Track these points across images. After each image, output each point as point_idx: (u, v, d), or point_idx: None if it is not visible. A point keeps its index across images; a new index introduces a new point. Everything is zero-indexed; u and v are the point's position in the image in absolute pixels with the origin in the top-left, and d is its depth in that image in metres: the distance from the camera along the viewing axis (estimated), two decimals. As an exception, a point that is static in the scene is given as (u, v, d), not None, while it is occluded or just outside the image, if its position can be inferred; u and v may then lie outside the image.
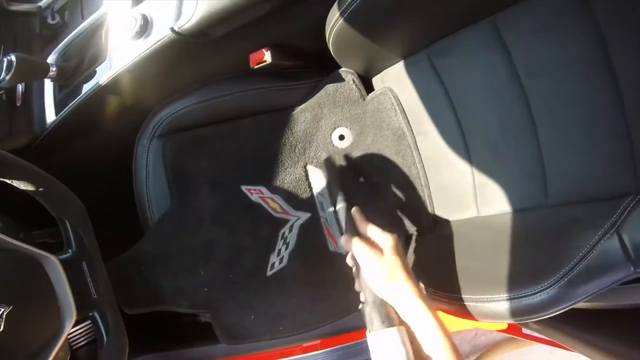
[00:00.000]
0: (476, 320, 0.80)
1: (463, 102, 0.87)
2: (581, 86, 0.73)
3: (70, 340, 1.02)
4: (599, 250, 0.66)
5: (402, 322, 0.64)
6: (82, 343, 1.04)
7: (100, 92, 0.90)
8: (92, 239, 0.83)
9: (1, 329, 0.65)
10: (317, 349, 1.11)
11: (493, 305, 0.73)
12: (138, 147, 0.96)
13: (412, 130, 0.97)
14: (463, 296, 0.77)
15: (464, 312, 0.79)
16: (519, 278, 0.72)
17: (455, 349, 0.61)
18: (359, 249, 0.69)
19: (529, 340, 1.63)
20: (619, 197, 0.69)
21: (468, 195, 0.90)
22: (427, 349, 0.62)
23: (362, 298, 0.69)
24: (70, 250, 0.81)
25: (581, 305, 0.80)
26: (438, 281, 0.84)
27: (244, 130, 0.96)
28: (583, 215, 0.74)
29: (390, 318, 0.64)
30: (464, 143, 0.88)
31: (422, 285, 0.83)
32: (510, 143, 0.83)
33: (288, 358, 1.12)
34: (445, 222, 0.94)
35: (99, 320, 0.82)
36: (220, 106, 0.95)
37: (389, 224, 0.98)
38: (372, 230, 0.72)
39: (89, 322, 1.02)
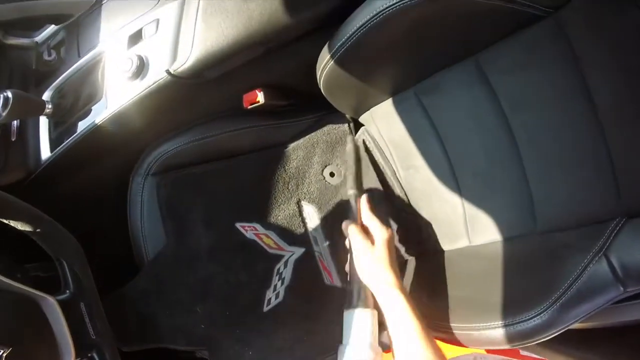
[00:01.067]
0: (469, 347, 0.81)
1: (450, 137, 0.90)
2: (561, 115, 0.76)
3: None
4: (589, 274, 0.68)
5: (376, 308, 0.71)
6: None
7: (96, 131, 0.90)
8: (90, 280, 0.82)
9: None
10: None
11: (488, 333, 0.75)
12: (132, 185, 0.96)
13: (395, 165, 1.00)
14: (457, 325, 0.79)
15: (458, 340, 0.80)
16: (512, 305, 0.74)
17: (426, 332, 0.66)
18: (354, 236, 0.75)
19: None
20: (605, 220, 0.72)
21: (459, 225, 0.92)
22: (397, 332, 0.67)
23: (348, 278, 0.76)
24: (68, 291, 0.80)
25: (575, 325, 0.83)
26: (432, 311, 0.85)
27: (237, 168, 0.97)
28: (571, 241, 0.76)
29: (366, 301, 0.71)
30: (453, 176, 0.91)
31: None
32: (497, 174, 0.85)
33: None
34: (438, 252, 0.95)
35: None
36: (214, 145, 0.96)
37: None
38: (371, 221, 0.78)
39: None
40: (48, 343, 0.74)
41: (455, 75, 0.86)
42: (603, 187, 0.74)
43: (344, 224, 0.80)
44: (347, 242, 0.80)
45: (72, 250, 0.82)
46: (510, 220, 0.86)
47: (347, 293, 0.74)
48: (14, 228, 0.76)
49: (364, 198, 0.83)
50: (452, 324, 0.80)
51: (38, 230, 0.77)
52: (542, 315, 0.70)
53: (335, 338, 0.97)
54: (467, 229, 0.91)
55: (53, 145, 0.96)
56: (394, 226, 1.00)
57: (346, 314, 0.73)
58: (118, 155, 0.99)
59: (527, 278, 0.78)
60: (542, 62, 0.75)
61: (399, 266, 0.98)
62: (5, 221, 0.75)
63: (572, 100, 0.73)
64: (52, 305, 0.75)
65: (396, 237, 1.00)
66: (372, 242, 0.75)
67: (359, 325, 0.70)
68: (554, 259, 0.75)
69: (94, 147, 0.95)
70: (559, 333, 0.71)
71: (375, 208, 0.84)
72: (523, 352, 1.09)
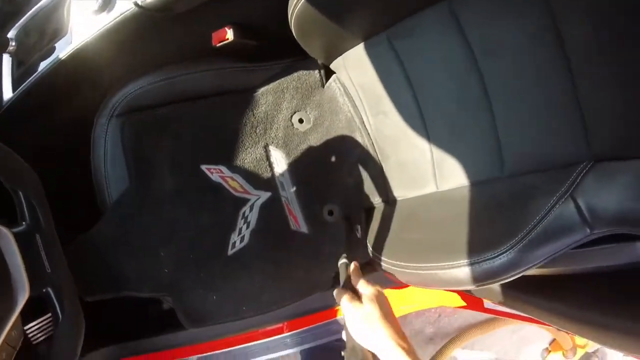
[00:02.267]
0: (436, 288, 0.82)
1: (421, 81, 0.88)
2: (533, 62, 0.74)
3: (29, 336, 0.96)
4: (555, 214, 0.68)
5: None
6: (42, 338, 0.98)
7: (59, 68, 0.88)
8: (47, 212, 0.79)
9: None
10: (283, 332, 1.09)
11: (453, 272, 0.75)
12: (96, 127, 0.93)
13: (365, 112, 0.98)
14: (423, 265, 0.78)
15: (423, 280, 0.80)
16: (479, 244, 0.74)
17: None
18: (343, 300, 0.72)
19: (492, 325, 1.65)
20: (573, 164, 0.71)
21: (427, 171, 0.91)
22: None
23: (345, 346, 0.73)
24: (23, 223, 0.77)
25: (543, 272, 0.82)
26: (398, 253, 0.85)
27: (204, 110, 0.95)
28: (538, 183, 0.76)
29: None
30: (422, 121, 0.90)
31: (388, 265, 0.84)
32: (466, 119, 0.84)
33: (254, 342, 1.09)
34: (405, 198, 0.95)
35: (53, 296, 0.78)
36: (181, 85, 0.94)
37: (350, 198, 1.00)
38: (360, 284, 0.75)
39: (47, 316, 0.97)
40: (1, 276, 0.71)
41: (429, 19, 0.84)
42: (571, 131, 0.73)
43: (335, 292, 0.77)
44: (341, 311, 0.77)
45: (30, 181, 0.79)
46: (478, 164, 0.85)
47: None
48: None
49: (354, 265, 0.81)
50: (418, 264, 0.80)
51: None
52: (507, 253, 0.70)
53: (301, 284, 0.96)
54: (434, 174, 0.90)
55: (15, 85, 0.93)
56: (364, 173, 0.99)
57: None
58: (82, 96, 0.96)
59: (493, 219, 0.77)
60: (515, 8, 0.74)
61: (367, 216, 0.99)
62: None
63: (543, 46, 0.72)
64: (6, 237, 0.73)
65: (365, 185, 0.98)
66: (360, 302, 0.72)
67: None
68: (520, 201, 0.75)
69: (57, 86, 0.93)
70: (521, 275, 0.72)
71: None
72: (487, 305, 1.08)
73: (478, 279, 0.73)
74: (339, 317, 1.10)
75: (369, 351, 0.67)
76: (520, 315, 1.06)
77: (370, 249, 0.93)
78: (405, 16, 0.86)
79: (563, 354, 1.79)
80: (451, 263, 0.75)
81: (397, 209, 0.94)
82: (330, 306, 1.06)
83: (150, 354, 1.11)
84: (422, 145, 0.90)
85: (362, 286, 0.74)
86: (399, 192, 0.96)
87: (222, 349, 1.11)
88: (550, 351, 1.80)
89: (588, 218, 0.67)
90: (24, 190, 0.77)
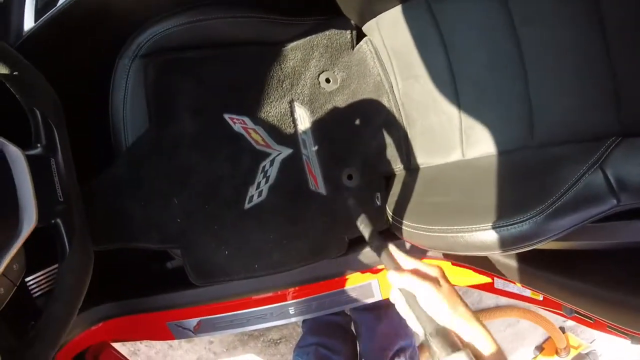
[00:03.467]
0: (457, 253, 0.79)
1: (456, 47, 0.87)
2: (572, 33, 0.74)
3: (31, 287, 0.90)
4: (584, 183, 0.67)
5: (465, 345, 0.62)
6: (45, 290, 0.93)
7: (83, 1, 0.83)
8: (65, 137, 0.74)
9: None
10: (286, 299, 1.06)
11: (479, 235, 0.73)
12: (118, 66, 0.90)
13: (395, 76, 0.97)
14: (448, 227, 0.77)
15: (448, 244, 0.78)
16: (507, 208, 0.72)
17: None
18: (415, 282, 0.65)
19: (488, 314, 1.64)
20: (603, 137, 0.70)
21: (454, 138, 0.89)
22: None
23: (418, 331, 0.66)
24: (39, 145, 0.71)
25: (556, 245, 0.81)
26: (421, 217, 0.83)
27: (232, 58, 0.92)
28: (568, 153, 0.75)
29: (455, 343, 0.61)
30: (453, 86, 0.88)
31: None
32: (500, 86, 0.83)
33: (256, 308, 1.06)
34: (428, 166, 0.93)
35: (62, 229, 0.71)
36: (210, 30, 0.90)
37: (371, 164, 0.97)
38: (418, 264, 0.70)
39: (52, 267, 0.92)
40: (8, 200, 0.65)
41: None
42: (603, 105, 0.73)
43: (390, 276, 0.70)
44: (394, 296, 0.70)
45: (49, 101, 0.74)
46: (508, 132, 0.84)
47: (432, 346, 0.63)
48: None
49: (392, 246, 0.75)
50: (443, 227, 0.78)
51: (15, 73, 0.69)
52: (536, 217, 0.69)
53: (315, 246, 0.93)
54: (462, 140, 0.88)
55: (38, 15, 0.89)
56: (388, 139, 0.97)
57: None
58: (105, 32, 0.92)
59: (521, 185, 0.76)
60: None
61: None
62: None
63: (584, 19, 0.71)
64: (18, 158, 0.66)
65: (387, 151, 0.96)
66: (435, 282, 0.66)
67: None
68: (549, 168, 0.74)
69: (80, 19, 0.88)
70: (539, 249, 0.72)
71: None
72: (497, 285, 1.06)
73: (505, 243, 0.72)
74: (347, 287, 1.07)
75: (452, 331, 0.63)
76: (528, 298, 1.04)
77: (390, 214, 0.90)
78: None
79: (557, 352, 1.78)
80: (478, 226, 0.73)
81: (420, 175, 0.92)
82: (339, 274, 1.02)
83: (150, 313, 1.07)
84: (451, 111, 0.89)
85: (425, 267, 0.69)
86: (423, 159, 0.94)
87: (223, 312, 1.07)
88: (543, 349, 1.80)
89: (616, 189, 0.66)
90: (42, 109, 0.71)
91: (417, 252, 1.01)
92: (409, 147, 0.95)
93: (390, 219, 0.90)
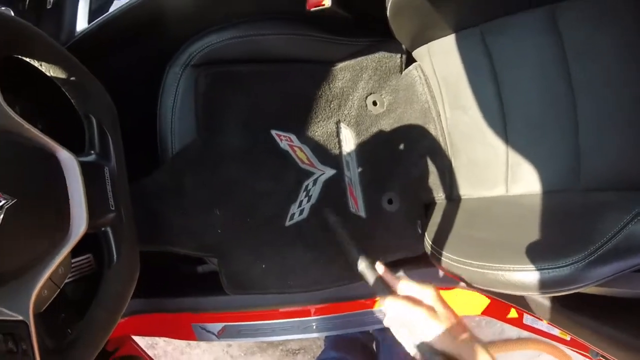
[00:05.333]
0: (495, 290, 0.78)
1: (507, 80, 0.87)
2: (627, 74, 0.73)
3: None
4: (628, 232, 0.66)
5: None
6: (72, 279, 0.93)
7: (138, 8, 0.83)
8: (119, 145, 0.74)
9: None
10: (310, 315, 1.06)
11: (519, 275, 0.72)
12: (169, 74, 0.90)
13: (443, 104, 0.96)
14: (488, 264, 0.76)
15: (486, 281, 0.77)
16: (548, 250, 0.72)
17: None
18: (409, 309, 0.64)
19: (511, 345, 1.64)
20: None
21: (499, 173, 0.89)
22: None
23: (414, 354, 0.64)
24: (92, 152, 0.71)
25: (593, 290, 0.80)
26: (461, 250, 0.83)
27: (283, 75, 0.93)
28: (613, 200, 0.74)
29: None
30: (502, 121, 0.88)
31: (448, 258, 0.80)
32: (549, 124, 0.83)
33: (281, 320, 1.06)
34: (470, 198, 0.93)
35: (111, 237, 0.71)
36: (263, 45, 0.91)
37: (412, 190, 0.97)
38: (409, 286, 0.68)
39: (83, 256, 0.92)
40: (60, 205, 0.65)
41: (527, 20, 0.82)
42: None
43: (386, 302, 0.68)
44: (389, 321, 0.68)
45: (105, 107, 0.74)
46: (554, 173, 0.84)
47: None
48: (43, 74, 0.67)
49: (379, 265, 0.74)
50: (483, 263, 0.78)
51: (72, 78, 0.69)
52: (577, 264, 0.68)
53: (352, 268, 0.92)
54: (506, 176, 0.88)
55: (91, 16, 0.88)
56: (432, 166, 0.97)
57: None
58: (157, 39, 0.92)
59: (564, 228, 0.76)
60: (617, 21, 0.73)
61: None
62: (37, 63, 0.66)
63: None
64: (72, 164, 0.66)
65: (429, 179, 0.95)
66: (428, 307, 0.64)
67: None
68: (593, 214, 0.73)
69: (134, 24, 0.89)
70: (575, 291, 0.71)
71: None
72: (526, 321, 1.05)
73: (544, 285, 0.71)
74: (375, 309, 1.07)
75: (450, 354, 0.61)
76: (556, 336, 1.04)
77: (429, 243, 0.89)
78: (503, 14, 0.85)
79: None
80: (519, 266, 0.73)
81: (461, 206, 0.92)
82: (368, 296, 1.02)
83: (174, 314, 1.07)
84: (498, 145, 0.88)
85: (417, 289, 0.67)
86: (465, 190, 0.93)
87: (249, 321, 1.07)
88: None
89: (659, 241, 0.65)
90: (97, 116, 0.71)
91: (447, 282, 1.01)
92: (453, 177, 0.94)
93: (430, 248, 0.89)
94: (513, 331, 1.68)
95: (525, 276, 0.72)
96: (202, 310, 1.05)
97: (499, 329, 1.66)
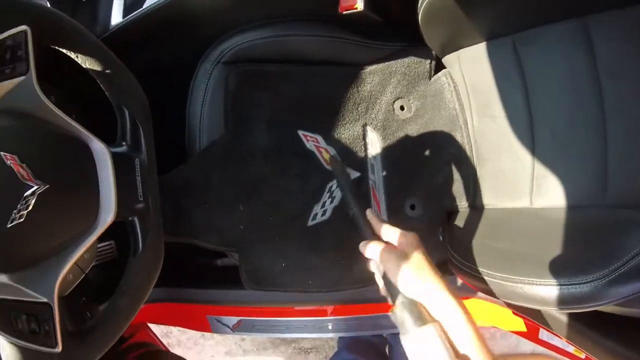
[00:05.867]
0: (513, 302, 0.78)
1: (538, 92, 0.86)
2: None
3: None
4: None
5: (434, 319, 0.58)
6: (94, 264, 0.95)
7: (172, 4, 0.84)
8: (151, 138, 0.76)
9: (30, 208, 0.56)
10: (327, 315, 1.06)
11: (538, 289, 0.72)
12: (199, 70, 0.92)
13: (470, 112, 0.96)
14: (508, 276, 0.76)
15: (505, 292, 0.77)
16: (570, 266, 0.71)
17: (484, 343, 0.57)
18: (381, 252, 0.65)
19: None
20: None
21: (524, 184, 0.89)
22: (458, 343, 0.57)
23: (390, 302, 0.65)
24: (124, 144, 0.73)
25: (611, 309, 0.79)
26: (482, 260, 0.82)
27: (312, 76, 0.94)
28: (638, 218, 0.73)
29: (423, 316, 0.58)
30: (530, 132, 0.87)
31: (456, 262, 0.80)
32: (577, 138, 0.82)
33: (297, 318, 1.06)
34: (494, 208, 0.93)
35: (138, 226, 0.73)
36: (294, 46, 0.92)
37: (435, 197, 0.97)
38: (390, 230, 0.69)
39: (106, 243, 0.94)
40: (90, 194, 0.67)
41: (560, 31, 0.81)
42: None
43: (361, 246, 0.70)
44: (372, 265, 0.70)
45: (138, 100, 0.75)
46: (579, 188, 0.83)
47: (397, 318, 0.60)
48: (79, 65, 0.69)
49: (369, 212, 0.75)
50: (503, 274, 0.78)
51: (107, 71, 0.70)
52: (599, 281, 0.67)
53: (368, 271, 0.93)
54: (531, 188, 0.87)
55: (126, 11, 0.90)
56: (456, 174, 0.97)
57: (407, 340, 0.58)
58: (190, 36, 0.94)
59: (587, 244, 0.75)
60: None
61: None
62: (73, 55, 0.67)
63: None
64: (104, 154, 0.68)
65: (453, 186, 0.95)
66: (402, 251, 0.64)
67: (428, 347, 0.56)
68: (617, 232, 0.72)
69: (168, 21, 0.90)
70: (593, 309, 0.70)
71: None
72: (541, 336, 1.04)
73: (564, 301, 0.70)
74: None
75: (420, 303, 0.59)
76: (571, 354, 1.03)
77: (449, 251, 0.89)
78: (536, 24, 0.84)
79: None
80: (539, 280, 0.72)
81: (484, 216, 0.92)
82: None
83: (191, 304, 1.08)
84: (524, 157, 0.88)
85: (396, 234, 0.67)
86: (489, 200, 0.93)
87: (265, 316, 1.08)
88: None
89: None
90: (130, 108, 0.73)
91: (466, 290, 1.00)
92: (477, 185, 0.94)
93: (450, 256, 0.89)
94: (528, 345, 1.66)
95: (544, 290, 0.71)
96: (219, 302, 1.06)
97: (514, 342, 1.65)
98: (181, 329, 1.65)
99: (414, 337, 0.57)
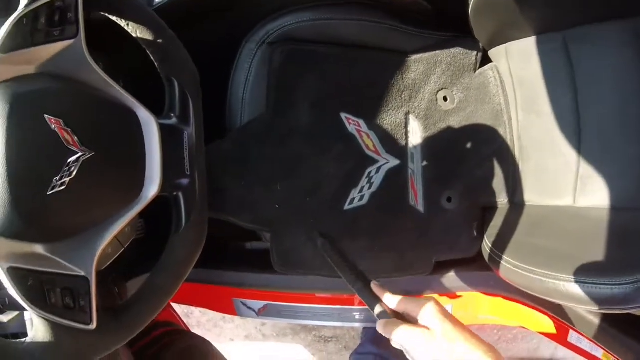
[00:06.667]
0: (552, 300, 0.77)
1: (587, 91, 0.85)
2: None
3: None
4: None
5: None
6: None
7: None
8: (199, 110, 0.74)
9: (73, 175, 0.54)
10: (354, 304, 1.05)
11: (580, 287, 0.71)
12: (244, 49, 0.92)
13: (516, 107, 0.95)
14: (550, 273, 0.75)
15: (544, 289, 0.76)
16: (612, 267, 0.71)
17: None
18: (403, 332, 0.58)
19: None
20: None
21: (568, 183, 0.87)
22: None
23: None
24: (172, 115, 0.71)
25: None
26: (523, 256, 0.81)
27: (357, 60, 0.93)
28: None
29: None
30: (577, 131, 0.86)
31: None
32: (625, 140, 0.81)
33: (323, 305, 1.05)
34: (535, 205, 0.92)
35: (182, 202, 0.71)
36: (340, 30, 0.91)
37: (474, 191, 0.96)
38: (407, 303, 0.62)
39: (139, 221, 0.93)
40: (135, 166, 0.65)
41: (614, 31, 0.80)
42: None
43: (379, 326, 0.62)
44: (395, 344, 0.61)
45: (189, 73, 0.73)
46: (624, 190, 0.81)
47: None
48: (128, 34, 0.67)
49: (374, 284, 0.69)
50: (544, 271, 0.76)
51: (159, 40, 0.68)
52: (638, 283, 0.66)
53: (404, 260, 0.91)
54: (575, 187, 0.86)
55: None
56: (497, 169, 0.95)
57: None
58: (235, 14, 0.94)
59: (630, 245, 0.74)
60: None
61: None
62: (124, 23, 0.66)
63: None
64: (152, 124, 0.66)
65: (493, 182, 0.93)
66: (426, 327, 0.58)
67: None
68: None
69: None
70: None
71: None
72: (570, 339, 1.01)
73: (605, 301, 0.69)
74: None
75: None
76: (597, 358, 1.00)
77: (488, 246, 0.88)
78: (590, 21, 0.82)
79: None
80: (581, 279, 0.71)
81: (525, 212, 0.91)
82: (415, 292, 1.01)
83: (217, 286, 1.08)
84: (570, 155, 0.87)
85: (416, 306, 0.60)
86: (530, 196, 0.92)
87: (292, 302, 1.08)
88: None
89: None
90: (180, 80, 0.71)
91: (497, 288, 0.99)
92: (518, 182, 0.93)
93: (489, 252, 0.87)
94: (548, 350, 1.63)
95: (585, 289, 0.70)
96: (247, 285, 1.06)
97: (534, 345, 1.63)
98: (202, 310, 1.64)
99: None
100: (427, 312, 0.58)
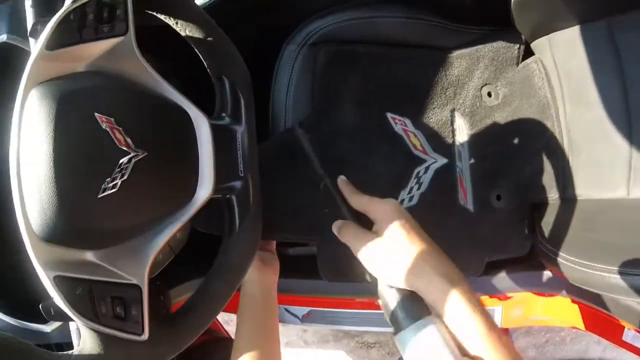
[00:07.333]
0: (614, 295, 0.77)
1: (635, 79, 0.84)
2: None
3: None
4: None
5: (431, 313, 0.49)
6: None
7: None
8: (251, 110, 0.71)
9: (125, 177, 0.52)
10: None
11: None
12: (285, 52, 0.91)
13: (563, 100, 0.93)
14: (610, 267, 0.74)
15: (605, 284, 0.75)
16: None
17: (501, 341, 0.44)
18: (350, 232, 0.55)
19: None
20: None
21: (621, 173, 0.86)
22: (467, 342, 0.45)
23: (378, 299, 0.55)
24: (224, 115, 0.68)
25: None
26: (580, 251, 0.81)
27: (399, 59, 0.92)
28: None
29: (416, 309, 0.49)
30: (628, 121, 0.85)
31: None
32: None
33: (371, 310, 1.04)
34: (588, 199, 0.90)
35: (235, 205, 0.68)
36: (382, 28, 0.91)
37: (524, 188, 0.95)
38: (362, 201, 0.59)
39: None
40: (188, 167, 0.62)
41: None
42: None
43: (334, 227, 0.60)
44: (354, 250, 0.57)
45: (240, 72, 0.70)
46: None
47: (389, 316, 0.52)
48: (177, 34, 0.66)
49: (341, 180, 0.66)
50: (604, 266, 0.75)
51: (209, 39, 0.66)
52: None
53: (456, 262, 0.89)
54: (629, 178, 0.86)
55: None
56: (547, 164, 0.93)
57: (400, 340, 0.48)
58: (277, 16, 0.95)
59: None
60: None
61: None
62: (172, 22, 0.65)
63: None
64: (204, 124, 0.63)
65: (543, 177, 0.91)
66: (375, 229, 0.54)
67: (426, 346, 0.45)
68: None
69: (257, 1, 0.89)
70: None
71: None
72: (625, 338, 0.99)
73: None
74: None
75: (414, 292, 0.49)
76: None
77: (542, 243, 0.86)
78: (633, 8, 0.82)
79: None
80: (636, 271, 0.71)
81: (578, 207, 0.89)
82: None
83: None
84: (621, 146, 0.86)
85: (371, 204, 0.57)
86: (582, 190, 0.90)
87: (336, 307, 1.06)
88: None
89: None
90: (231, 79, 0.68)
91: (550, 288, 0.96)
92: (569, 176, 0.92)
93: (544, 249, 0.85)
94: (596, 353, 1.60)
95: None
96: (291, 292, 1.04)
97: (583, 347, 1.60)
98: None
99: (408, 334, 0.47)
100: (379, 211, 0.55)
